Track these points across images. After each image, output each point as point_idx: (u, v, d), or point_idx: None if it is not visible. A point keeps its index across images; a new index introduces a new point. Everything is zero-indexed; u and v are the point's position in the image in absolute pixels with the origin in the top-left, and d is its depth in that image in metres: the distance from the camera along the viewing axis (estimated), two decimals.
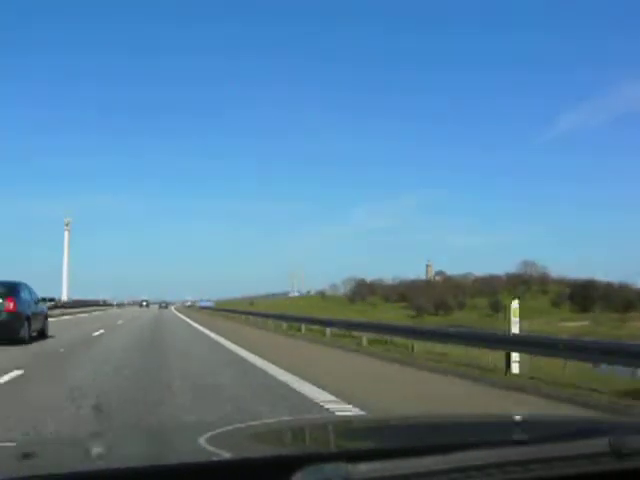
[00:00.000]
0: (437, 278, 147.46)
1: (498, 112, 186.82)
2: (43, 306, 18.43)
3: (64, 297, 73.20)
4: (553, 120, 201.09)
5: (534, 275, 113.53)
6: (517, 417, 2.32)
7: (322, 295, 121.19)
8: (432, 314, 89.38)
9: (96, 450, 1.31)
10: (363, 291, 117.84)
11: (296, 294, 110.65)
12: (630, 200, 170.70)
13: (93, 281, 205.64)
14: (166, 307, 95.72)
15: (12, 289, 15.59)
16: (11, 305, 14.89)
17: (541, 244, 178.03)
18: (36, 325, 16.51)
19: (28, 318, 15.44)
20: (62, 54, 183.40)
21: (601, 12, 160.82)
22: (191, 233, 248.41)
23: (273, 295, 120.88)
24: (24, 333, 15.02)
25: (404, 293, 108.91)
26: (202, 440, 1.52)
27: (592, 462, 1.23)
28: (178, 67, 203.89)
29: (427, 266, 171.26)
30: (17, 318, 14.90)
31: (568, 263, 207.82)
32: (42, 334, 17.25)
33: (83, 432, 5.07)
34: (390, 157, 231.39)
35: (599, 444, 1.25)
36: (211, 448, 1.51)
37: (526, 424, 2.02)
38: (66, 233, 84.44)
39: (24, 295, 15.96)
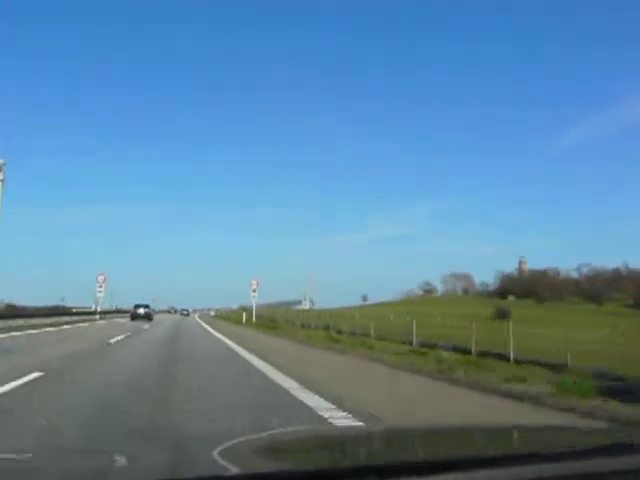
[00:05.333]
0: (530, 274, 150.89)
1: (514, 123, 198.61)
2: None
3: None
4: (565, 131, 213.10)
5: None
6: (544, 429, 2.42)
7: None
8: None
9: (109, 463, 1.38)
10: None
11: (307, 305, 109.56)
12: None
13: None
14: (187, 315, 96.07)
15: None
16: None
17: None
18: None
19: None
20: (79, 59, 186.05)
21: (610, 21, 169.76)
22: (202, 241, 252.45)
23: (286, 304, 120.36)
24: None
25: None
26: (212, 454, 1.49)
27: (622, 479, 1.18)
28: (193, 72, 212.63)
29: (520, 262, 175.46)
30: None
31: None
32: None
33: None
34: (405, 165, 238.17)
35: (632, 460, 1.21)
36: (221, 462, 1.45)
37: (554, 436, 2.01)
38: None
39: None
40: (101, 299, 56.22)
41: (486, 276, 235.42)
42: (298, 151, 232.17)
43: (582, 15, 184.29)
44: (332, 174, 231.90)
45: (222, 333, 30.93)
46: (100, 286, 54.16)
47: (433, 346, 19.68)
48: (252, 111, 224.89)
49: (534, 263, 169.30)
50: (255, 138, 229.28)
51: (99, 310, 55.80)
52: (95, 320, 47.69)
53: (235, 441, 1.78)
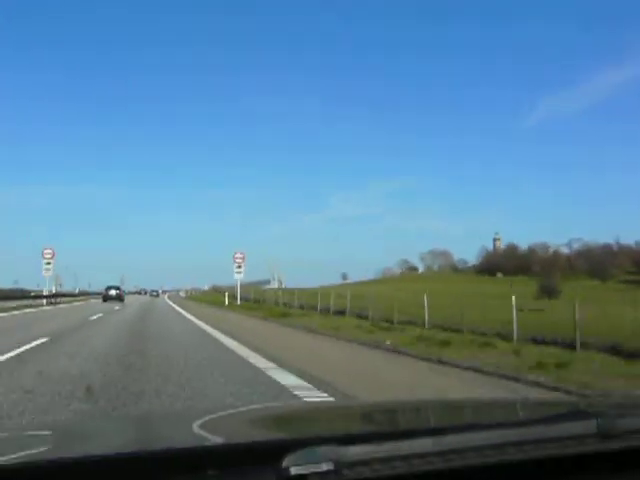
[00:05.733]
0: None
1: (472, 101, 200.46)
2: None
3: None
4: (523, 110, 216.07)
5: None
6: (507, 400, 2.72)
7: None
8: None
9: (84, 436, 1.47)
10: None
11: (276, 284, 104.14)
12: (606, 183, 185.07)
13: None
14: (157, 296, 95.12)
15: None
16: None
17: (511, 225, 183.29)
18: None
19: None
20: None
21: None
22: (163, 222, 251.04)
23: (254, 284, 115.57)
24: None
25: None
26: (192, 426, 1.54)
27: (580, 443, 1.25)
28: (139, 55, 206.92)
29: (495, 239, 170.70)
30: None
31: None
32: None
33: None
34: (363, 145, 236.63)
35: (588, 426, 1.26)
36: (202, 434, 1.53)
37: (516, 407, 2.14)
38: None
39: None
40: (52, 278, 46.55)
41: (464, 253, 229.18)
42: (258, 131, 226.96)
43: None
44: (294, 154, 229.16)
45: (209, 323, 22.23)
46: (48, 263, 44.24)
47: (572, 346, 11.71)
48: (211, 92, 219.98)
49: (507, 240, 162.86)
50: (211, 118, 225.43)
51: (49, 292, 46.09)
52: (41, 306, 38.52)
53: (212, 415, 1.86)
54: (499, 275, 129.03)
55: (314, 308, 31.04)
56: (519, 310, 15.11)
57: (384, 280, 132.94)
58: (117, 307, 36.94)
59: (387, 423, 1.81)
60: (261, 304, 40.31)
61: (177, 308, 38.58)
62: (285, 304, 38.33)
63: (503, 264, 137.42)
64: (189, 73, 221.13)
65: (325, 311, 28.79)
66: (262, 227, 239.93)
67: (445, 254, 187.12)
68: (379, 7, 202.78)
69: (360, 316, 24.02)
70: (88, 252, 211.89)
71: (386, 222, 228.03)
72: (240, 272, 41.53)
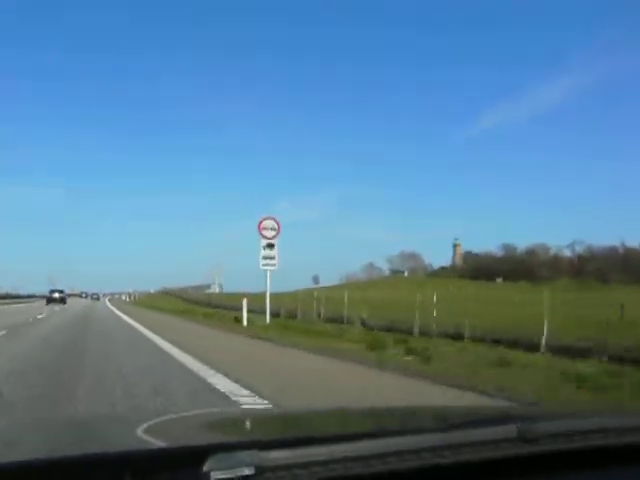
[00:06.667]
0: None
1: (420, 108, 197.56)
2: None
3: None
4: (474, 117, 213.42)
5: None
6: (431, 406, 2.80)
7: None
8: None
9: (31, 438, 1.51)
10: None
11: (217, 288, 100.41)
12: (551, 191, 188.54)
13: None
14: (98, 299, 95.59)
15: None
16: None
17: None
18: None
19: None
20: None
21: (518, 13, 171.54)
22: (109, 227, 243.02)
23: (195, 288, 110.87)
24: None
25: None
26: (116, 431, 1.61)
27: (501, 447, 1.26)
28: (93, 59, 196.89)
29: (455, 245, 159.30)
30: None
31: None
32: None
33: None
34: (313, 150, 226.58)
35: (508, 430, 1.28)
36: (124, 439, 1.53)
37: (439, 412, 2.21)
38: None
39: None
40: None
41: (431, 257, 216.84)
42: (199, 137, 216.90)
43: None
44: (240, 159, 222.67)
45: None
46: None
47: None
48: (159, 99, 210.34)
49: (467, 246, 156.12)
50: (158, 123, 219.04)
51: None
52: None
53: (137, 421, 1.88)
54: (499, 280, 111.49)
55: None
56: None
57: (368, 284, 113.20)
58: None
59: (311, 429, 1.80)
60: (312, 324, 20.59)
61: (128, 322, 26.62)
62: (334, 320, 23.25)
63: (497, 268, 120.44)
64: (116, 76, 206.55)
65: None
66: (207, 231, 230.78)
67: (415, 257, 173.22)
68: (310, 11, 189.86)
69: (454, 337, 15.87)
70: (20, 254, 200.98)
71: (340, 227, 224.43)
72: (272, 260, 21.10)
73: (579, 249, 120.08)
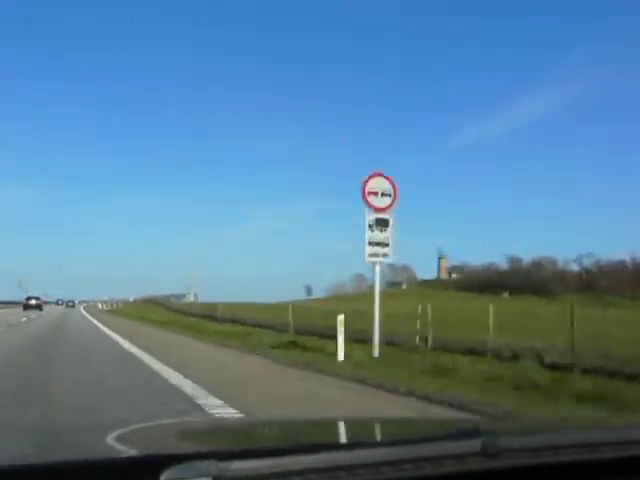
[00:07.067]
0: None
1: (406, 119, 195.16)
2: None
3: None
4: (456, 130, 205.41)
5: None
6: (397, 418, 2.66)
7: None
8: None
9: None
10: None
11: (192, 298, 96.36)
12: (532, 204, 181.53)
13: None
14: (73, 306, 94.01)
15: None
16: None
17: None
18: None
19: None
20: None
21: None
22: (82, 231, 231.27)
23: (169, 297, 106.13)
24: None
25: None
26: (76, 440, 1.57)
27: (464, 462, 1.24)
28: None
29: (440, 259, 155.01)
30: None
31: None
32: None
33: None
34: (291, 159, 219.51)
35: (472, 445, 1.26)
36: (83, 448, 1.50)
37: (405, 425, 2.26)
38: None
39: None
40: None
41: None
42: (183, 144, 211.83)
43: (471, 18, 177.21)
44: (218, 167, 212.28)
45: None
46: None
47: None
48: (133, 105, 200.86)
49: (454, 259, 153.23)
50: (141, 130, 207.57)
51: None
52: None
53: (98, 429, 1.89)
54: (505, 295, 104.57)
55: None
56: None
57: (361, 296, 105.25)
58: None
59: (273, 439, 1.78)
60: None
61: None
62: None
63: (496, 281, 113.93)
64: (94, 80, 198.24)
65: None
66: (184, 239, 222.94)
67: (407, 269, 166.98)
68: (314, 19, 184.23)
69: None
70: None
71: (321, 238, 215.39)
72: (385, 247, 13.07)
73: (587, 263, 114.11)
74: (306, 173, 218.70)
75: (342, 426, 2.05)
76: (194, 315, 46.52)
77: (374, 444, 1.39)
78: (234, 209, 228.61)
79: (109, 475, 1.10)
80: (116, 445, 1.50)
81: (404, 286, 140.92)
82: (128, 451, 1.45)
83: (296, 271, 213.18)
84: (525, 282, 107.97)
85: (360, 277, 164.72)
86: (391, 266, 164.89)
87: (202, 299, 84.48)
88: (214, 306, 43.49)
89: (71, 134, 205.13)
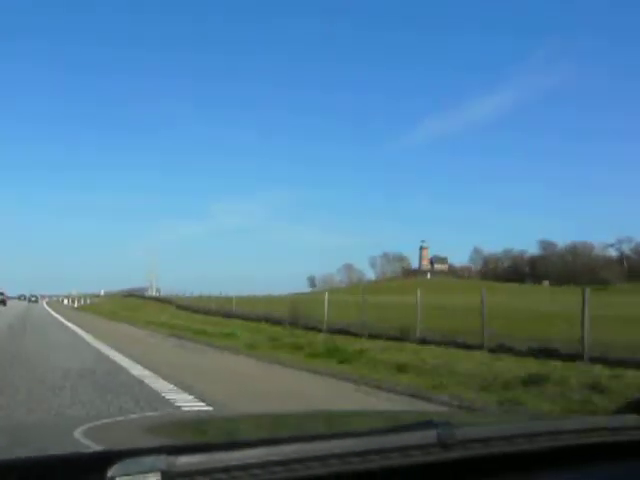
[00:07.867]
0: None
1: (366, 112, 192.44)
2: None
3: None
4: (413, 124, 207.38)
5: None
6: (352, 411, 2.67)
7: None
8: None
9: None
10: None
11: (153, 292, 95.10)
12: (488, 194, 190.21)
13: None
14: (36, 301, 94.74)
15: None
16: None
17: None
18: None
19: None
20: None
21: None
22: (38, 225, 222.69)
23: (131, 291, 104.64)
24: None
25: None
26: (27, 436, 1.57)
27: (421, 453, 1.25)
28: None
29: (422, 248, 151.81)
30: None
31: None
32: None
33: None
34: (252, 151, 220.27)
35: (429, 436, 1.27)
36: (33, 444, 1.50)
37: (362, 417, 2.28)
38: None
39: None
40: None
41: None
42: (139, 135, 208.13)
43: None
44: (174, 158, 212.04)
45: None
46: None
47: None
48: (89, 92, 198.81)
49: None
50: (94, 120, 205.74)
51: None
52: None
53: (50, 425, 1.99)
54: (545, 283, 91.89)
55: None
56: None
57: (378, 288, 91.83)
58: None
59: (230, 434, 1.77)
60: None
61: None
62: None
63: (521, 270, 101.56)
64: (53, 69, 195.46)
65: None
66: (143, 232, 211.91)
67: (401, 258, 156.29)
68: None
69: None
70: None
71: (264, 233, 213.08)
72: None
73: (626, 248, 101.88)
74: (265, 165, 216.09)
75: (298, 418, 2.10)
76: (210, 313, 35.37)
77: (330, 436, 1.30)
78: (192, 201, 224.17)
79: (57, 472, 1.09)
80: (69, 442, 1.48)
81: (428, 276, 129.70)
82: (79, 448, 1.43)
83: (275, 265, 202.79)
84: (562, 270, 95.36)
85: (349, 267, 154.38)
86: (384, 256, 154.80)
87: (164, 292, 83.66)
88: (228, 300, 36.44)
89: (21, 124, 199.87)
